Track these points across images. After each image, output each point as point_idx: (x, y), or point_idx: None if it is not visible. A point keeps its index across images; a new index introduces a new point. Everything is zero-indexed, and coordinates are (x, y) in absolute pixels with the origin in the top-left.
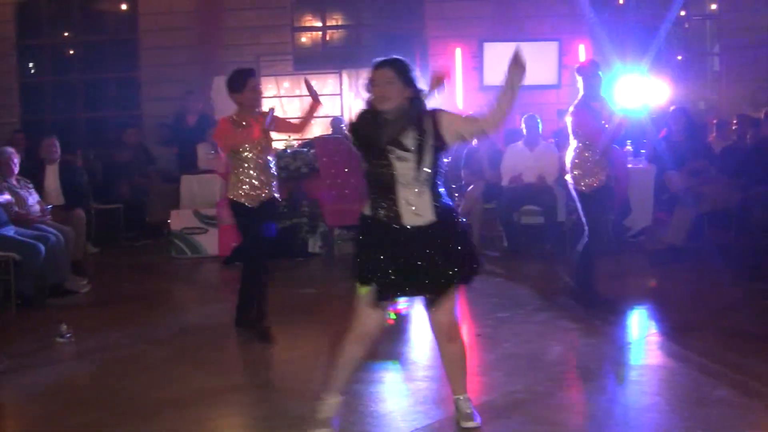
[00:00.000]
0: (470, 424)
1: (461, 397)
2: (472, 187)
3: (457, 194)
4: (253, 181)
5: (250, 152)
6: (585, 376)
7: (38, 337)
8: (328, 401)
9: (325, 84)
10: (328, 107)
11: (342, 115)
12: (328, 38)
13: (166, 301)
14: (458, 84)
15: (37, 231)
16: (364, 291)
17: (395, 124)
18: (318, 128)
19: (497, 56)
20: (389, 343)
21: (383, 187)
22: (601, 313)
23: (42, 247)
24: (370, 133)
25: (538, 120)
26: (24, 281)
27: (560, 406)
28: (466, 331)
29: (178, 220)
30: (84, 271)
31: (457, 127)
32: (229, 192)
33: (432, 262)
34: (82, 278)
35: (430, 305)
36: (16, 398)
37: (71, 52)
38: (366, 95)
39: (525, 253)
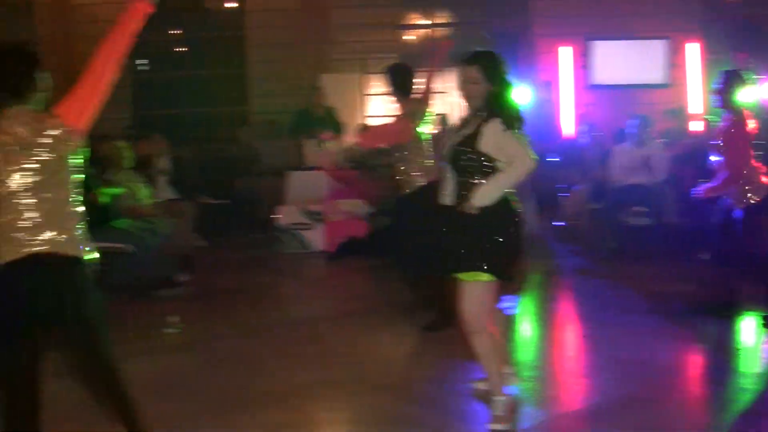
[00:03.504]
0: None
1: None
2: (579, 187)
3: (564, 194)
4: None
5: None
6: (693, 383)
7: (144, 328)
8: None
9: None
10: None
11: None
12: (434, 36)
13: (269, 295)
14: (567, 83)
15: (147, 224)
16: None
17: None
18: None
19: (605, 54)
20: None
21: None
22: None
23: (151, 240)
24: None
25: (647, 120)
26: (133, 273)
27: (665, 414)
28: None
29: (285, 215)
30: (191, 264)
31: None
32: None
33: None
34: (183, 273)
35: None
36: None
37: (180, 48)
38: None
39: (633, 254)
